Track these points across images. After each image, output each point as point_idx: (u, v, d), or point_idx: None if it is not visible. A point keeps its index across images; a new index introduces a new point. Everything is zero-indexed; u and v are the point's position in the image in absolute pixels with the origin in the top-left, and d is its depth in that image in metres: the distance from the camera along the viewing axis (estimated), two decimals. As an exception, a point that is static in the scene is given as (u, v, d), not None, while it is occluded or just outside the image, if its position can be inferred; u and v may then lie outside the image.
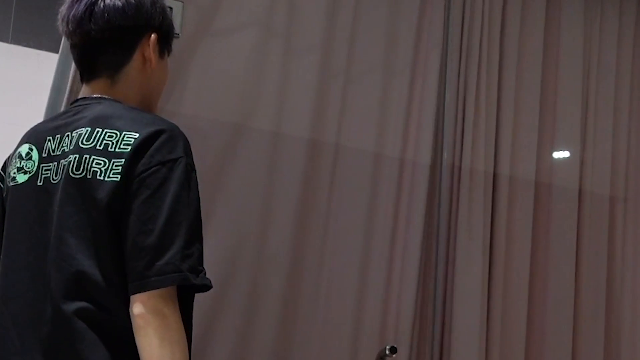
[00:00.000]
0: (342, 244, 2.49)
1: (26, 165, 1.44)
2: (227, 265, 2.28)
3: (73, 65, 1.95)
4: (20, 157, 1.48)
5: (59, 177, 1.36)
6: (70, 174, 1.33)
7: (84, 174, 1.32)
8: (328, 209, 2.47)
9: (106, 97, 1.46)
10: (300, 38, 2.50)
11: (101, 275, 1.28)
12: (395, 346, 2.42)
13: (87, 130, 1.36)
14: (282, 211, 2.39)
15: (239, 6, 2.40)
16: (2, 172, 1.56)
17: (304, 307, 2.41)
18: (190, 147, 1.37)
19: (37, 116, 1.91)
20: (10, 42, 3.43)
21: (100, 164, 1.31)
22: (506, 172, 2.79)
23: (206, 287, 1.32)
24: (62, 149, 1.39)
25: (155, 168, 1.29)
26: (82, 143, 1.35)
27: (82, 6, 1.44)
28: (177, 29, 2.17)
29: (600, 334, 2.90)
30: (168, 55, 1.59)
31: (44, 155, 1.42)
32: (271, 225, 2.36)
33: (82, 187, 1.32)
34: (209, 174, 2.22)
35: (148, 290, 1.25)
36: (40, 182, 1.40)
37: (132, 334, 1.27)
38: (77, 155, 1.34)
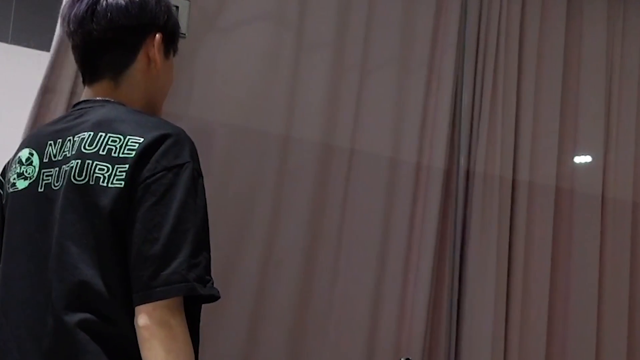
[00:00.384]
0: (356, 253, 2.46)
1: (26, 171, 1.42)
2: (233, 272, 2.26)
3: (74, 67, 1.93)
4: (20, 162, 1.45)
5: (60, 183, 1.34)
6: (72, 180, 1.32)
7: (86, 180, 1.30)
8: (342, 215, 2.45)
9: (110, 99, 1.44)
10: (311, 38, 2.47)
11: (104, 285, 1.26)
12: (410, 358, 2.40)
13: (90, 135, 1.34)
14: (292, 217, 2.37)
15: (248, 5, 2.39)
16: (1, 178, 1.55)
17: (315, 317, 2.38)
18: (196, 151, 1.34)
19: (38, 119, 1.88)
20: (10, 43, 3.41)
21: (103, 169, 1.29)
22: (525, 177, 2.75)
23: (214, 297, 1.30)
24: (64, 153, 1.37)
25: (160, 174, 1.27)
26: (85, 148, 1.33)
27: (83, 5, 1.43)
28: (183, 29, 2.19)
29: (623, 346, 2.85)
30: (174, 55, 1.56)
31: (45, 160, 1.40)
32: (280, 231, 2.35)
33: (84, 193, 1.30)
34: (216, 179, 2.22)
35: (153, 301, 1.23)
36: (41, 188, 1.38)
37: (137, 346, 1.25)
38: (80, 161, 1.32)
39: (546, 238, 2.76)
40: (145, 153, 1.29)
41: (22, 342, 1.34)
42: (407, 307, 2.50)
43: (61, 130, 1.42)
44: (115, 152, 1.30)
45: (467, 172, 2.66)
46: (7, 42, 3.36)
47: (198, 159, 1.34)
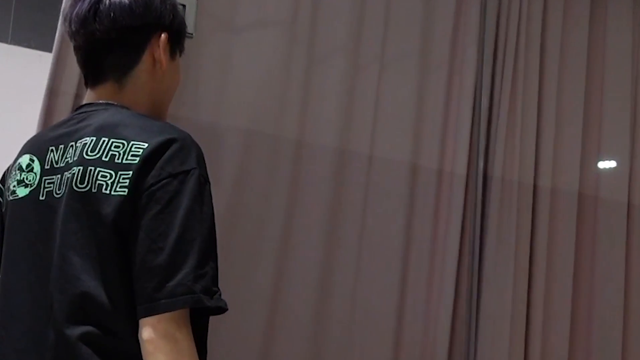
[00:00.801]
0: (377, 263, 2.44)
1: (27, 178, 1.40)
2: (247, 281, 2.26)
3: (77, 68, 1.84)
4: (20, 169, 1.44)
5: (62, 190, 1.32)
6: (74, 187, 1.30)
7: (88, 187, 1.28)
8: (361, 224, 2.43)
9: (113, 102, 1.42)
10: (326, 38, 2.45)
11: (107, 297, 1.25)
12: None
13: (92, 140, 1.32)
14: (308, 226, 2.35)
15: (260, 4, 2.37)
16: (1, 185, 1.54)
17: (335, 330, 2.37)
18: (203, 157, 1.32)
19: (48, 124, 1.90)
20: (10, 43, 3.38)
21: (106, 176, 1.28)
22: (547, 183, 2.71)
23: (221, 309, 1.27)
24: (66, 160, 1.35)
25: (165, 181, 1.25)
26: (87, 154, 1.31)
27: (86, 4, 1.40)
28: (190, 29, 2.17)
29: (650, 360, 2.84)
30: (180, 55, 1.53)
31: (46, 167, 1.38)
32: (295, 241, 2.34)
33: (86, 201, 1.28)
34: (227, 185, 2.23)
35: (158, 314, 1.21)
36: (42, 196, 1.36)
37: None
38: (82, 167, 1.30)
39: (569, 246, 2.72)
40: (149, 159, 1.27)
41: (23, 356, 1.32)
42: (431, 317, 2.49)
43: (63, 136, 1.40)
44: (118, 158, 1.28)
45: (485, 177, 2.63)
46: (6, 42, 3.35)
47: (205, 164, 1.32)
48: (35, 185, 1.38)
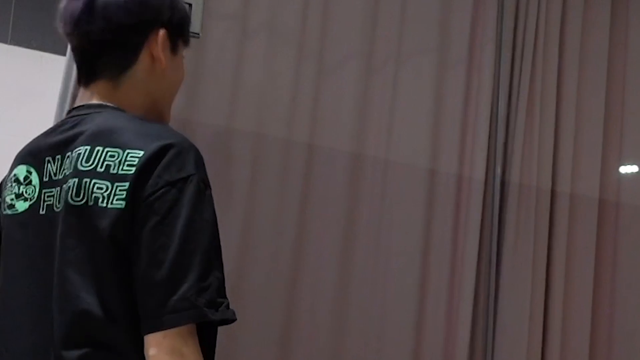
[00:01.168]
0: (394, 269, 2.44)
1: (26, 192, 1.37)
2: (262, 289, 2.27)
3: None
4: (17, 181, 1.41)
5: (61, 204, 1.29)
6: (70, 200, 1.27)
7: (84, 200, 1.26)
8: (377, 231, 2.42)
9: (107, 104, 1.39)
10: (339, 37, 2.43)
11: (107, 314, 1.23)
12: None
13: (87, 150, 1.29)
14: (322, 232, 2.36)
15: (270, 6, 2.36)
16: None
17: (353, 338, 2.37)
18: (202, 160, 1.29)
19: (42, 126, 1.83)
20: (10, 43, 3.40)
21: (102, 188, 1.25)
22: (566, 188, 2.68)
23: (228, 321, 1.26)
24: (64, 172, 1.32)
25: (163, 190, 1.22)
26: (82, 165, 1.28)
27: (79, 4, 1.37)
28: (196, 29, 2.18)
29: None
30: (185, 46, 1.49)
31: (45, 179, 1.35)
32: (309, 248, 2.35)
33: (83, 215, 1.26)
34: (239, 189, 2.25)
35: (163, 330, 1.19)
36: (42, 210, 1.33)
37: None
38: (77, 179, 1.27)
39: (588, 252, 2.69)
40: (145, 168, 1.24)
41: None
42: (450, 325, 2.49)
43: (59, 145, 1.37)
44: (114, 169, 1.25)
45: (503, 182, 2.61)
46: (6, 42, 3.36)
47: (204, 168, 1.30)
48: (35, 199, 1.36)
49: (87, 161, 1.28)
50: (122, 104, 1.39)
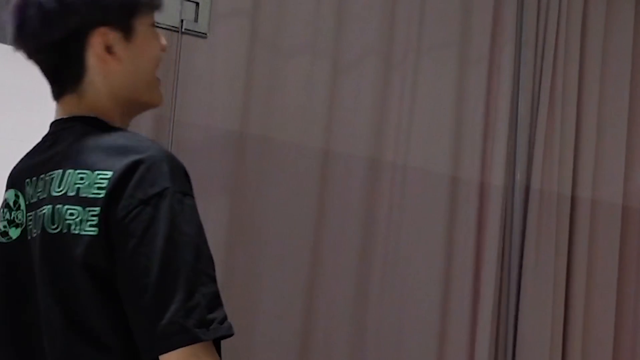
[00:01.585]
0: (415, 279, 2.43)
1: (17, 217, 1.34)
2: (278, 297, 2.26)
3: None
4: (8, 206, 1.37)
5: (37, 230, 1.27)
6: (48, 229, 1.24)
7: (59, 228, 1.23)
8: (397, 239, 2.41)
9: (78, 115, 1.34)
10: (355, 37, 2.41)
11: (98, 346, 1.21)
12: None
13: (59, 174, 1.26)
14: (338, 240, 2.35)
15: (281, 4, 2.34)
16: None
17: (373, 349, 2.36)
18: (179, 167, 1.24)
19: (43, 130, 1.72)
20: (10, 43, 3.24)
21: (73, 214, 1.22)
22: (587, 194, 2.67)
23: (223, 337, 1.21)
24: (38, 195, 1.29)
25: (137, 210, 1.18)
26: (55, 190, 1.26)
27: (16, 21, 1.31)
28: (204, 29, 2.17)
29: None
30: (151, 26, 1.38)
31: (27, 202, 1.33)
32: (325, 257, 2.34)
33: (59, 244, 1.23)
34: (247, 194, 2.24)
35: (157, 355, 1.17)
36: (29, 235, 1.30)
37: None
38: (51, 206, 1.25)
39: (611, 262, 2.68)
40: (116, 189, 1.20)
41: None
42: (474, 333, 2.50)
43: (37, 166, 1.33)
44: (83, 192, 1.22)
45: (527, 188, 2.61)
46: (5, 42, 3.24)
47: (182, 175, 1.24)
48: (24, 224, 1.33)
49: (59, 186, 1.26)
50: (95, 111, 1.35)
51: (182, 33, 2.14)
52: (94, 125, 1.33)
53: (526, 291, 2.54)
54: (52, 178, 1.28)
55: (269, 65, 2.30)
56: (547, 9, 2.65)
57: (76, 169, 1.25)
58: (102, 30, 1.32)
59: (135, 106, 1.40)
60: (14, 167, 1.41)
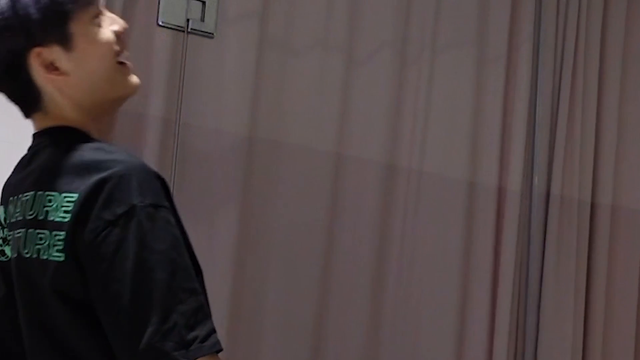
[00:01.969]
0: (431, 287, 2.43)
1: (9, 235, 1.33)
2: (288, 305, 2.26)
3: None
4: (1, 224, 1.36)
5: (13, 253, 1.27)
6: (22, 253, 1.24)
7: (30, 254, 1.23)
8: (412, 245, 2.41)
9: (51, 127, 1.32)
10: (368, 36, 2.40)
11: None
12: None
13: (31, 196, 1.26)
14: (352, 246, 2.34)
15: (291, 2, 2.33)
16: None
17: (389, 356, 2.36)
18: (150, 179, 1.21)
19: None
20: None
21: (42, 239, 1.21)
22: (607, 200, 2.67)
23: (209, 353, 1.18)
24: (16, 215, 1.29)
25: (105, 232, 1.17)
26: (27, 214, 1.26)
27: None
28: (210, 29, 2.17)
29: None
30: (93, 18, 1.32)
31: (8, 221, 1.33)
32: (339, 264, 2.33)
33: (31, 270, 1.23)
34: (257, 199, 2.24)
35: None
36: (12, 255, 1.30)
37: None
38: (24, 230, 1.25)
39: (632, 267, 2.68)
40: (82, 211, 1.18)
41: None
42: (492, 341, 2.50)
43: (17, 184, 1.33)
44: (51, 215, 1.21)
45: (548, 194, 2.61)
46: None
47: (153, 186, 1.22)
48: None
49: (30, 209, 1.25)
50: (64, 121, 1.32)
51: (188, 33, 2.11)
52: (66, 136, 1.31)
53: (546, 298, 2.54)
54: (27, 200, 1.28)
55: (278, 66, 2.29)
56: (566, 7, 2.62)
57: (45, 191, 1.24)
58: (36, 51, 1.28)
59: (106, 105, 1.36)
60: (5, 182, 1.39)
